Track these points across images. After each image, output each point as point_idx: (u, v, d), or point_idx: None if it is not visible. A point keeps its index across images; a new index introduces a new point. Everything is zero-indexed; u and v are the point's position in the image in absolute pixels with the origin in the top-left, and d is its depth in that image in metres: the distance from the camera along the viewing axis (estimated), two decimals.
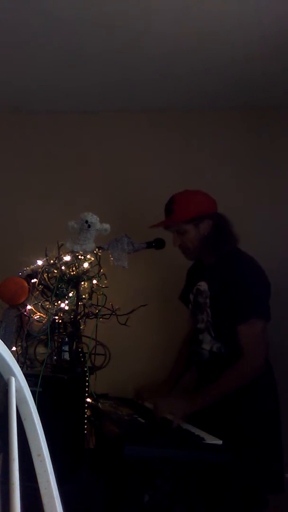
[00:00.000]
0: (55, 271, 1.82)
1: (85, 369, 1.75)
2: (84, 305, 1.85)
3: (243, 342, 1.80)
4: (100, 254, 1.90)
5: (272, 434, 1.84)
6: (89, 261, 1.86)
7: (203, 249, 1.98)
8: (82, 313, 1.83)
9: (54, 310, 1.78)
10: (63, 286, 1.82)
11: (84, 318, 1.84)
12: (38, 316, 1.78)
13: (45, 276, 1.81)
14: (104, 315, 1.81)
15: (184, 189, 2.04)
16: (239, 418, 1.79)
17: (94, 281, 1.87)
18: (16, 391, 0.79)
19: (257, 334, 1.81)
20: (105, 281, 1.88)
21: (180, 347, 2.22)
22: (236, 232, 1.98)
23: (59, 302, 1.80)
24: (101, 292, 1.85)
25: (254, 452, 1.75)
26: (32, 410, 0.83)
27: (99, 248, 1.90)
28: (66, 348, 1.80)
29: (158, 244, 2.04)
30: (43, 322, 1.77)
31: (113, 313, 1.80)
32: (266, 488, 1.78)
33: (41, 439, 0.82)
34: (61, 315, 1.82)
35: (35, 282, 1.81)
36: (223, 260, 1.93)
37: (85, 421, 1.73)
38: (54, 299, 1.79)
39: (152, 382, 2.19)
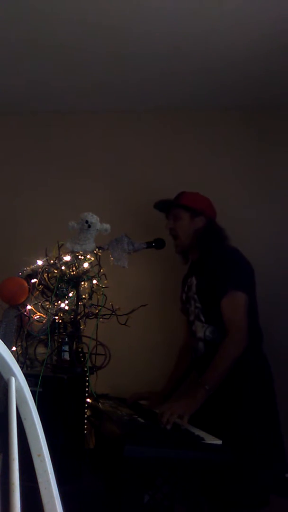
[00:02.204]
0: (55, 271, 1.82)
1: (85, 369, 1.74)
2: (84, 305, 1.84)
3: (225, 316, 1.86)
4: (100, 254, 1.90)
5: (273, 434, 1.84)
6: (89, 261, 1.86)
7: (192, 243, 2.07)
8: (82, 313, 1.83)
9: (54, 310, 1.78)
10: (63, 286, 1.82)
11: (84, 318, 1.84)
12: (38, 316, 1.78)
13: (45, 276, 1.81)
14: (104, 315, 1.80)
15: (186, 189, 2.13)
16: (239, 418, 1.79)
17: (94, 281, 1.87)
18: (16, 391, 0.79)
19: (237, 306, 1.86)
20: (105, 281, 1.88)
21: (178, 354, 2.22)
22: (227, 238, 2.06)
23: (59, 302, 1.80)
24: (101, 292, 1.85)
25: (255, 452, 1.75)
26: (32, 410, 0.83)
27: (99, 248, 1.90)
28: (66, 348, 1.80)
29: (158, 244, 2.05)
30: (43, 322, 1.76)
31: (113, 313, 1.80)
32: (268, 489, 1.78)
33: (41, 439, 0.82)
34: (61, 315, 1.81)
35: (35, 282, 1.81)
36: (208, 253, 2.03)
37: (85, 421, 1.73)
38: (54, 299, 1.79)
39: (150, 389, 2.17)
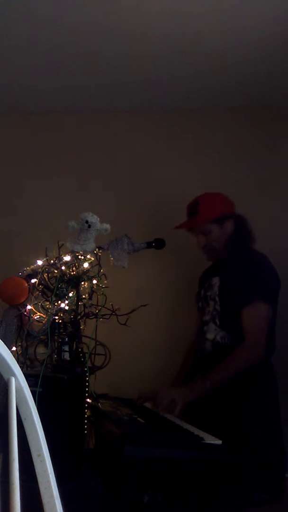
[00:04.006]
0: (55, 271, 1.82)
1: (85, 369, 1.74)
2: (84, 305, 1.84)
3: (246, 325, 1.83)
4: (100, 254, 1.90)
5: (273, 435, 1.84)
6: (89, 261, 1.86)
7: (227, 248, 2.01)
8: (82, 313, 1.83)
9: (54, 310, 1.78)
10: (63, 286, 1.82)
11: (84, 318, 1.84)
12: (38, 316, 1.78)
13: (45, 276, 1.81)
14: (104, 315, 1.81)
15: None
16: (240, 418, 1.78)
17: (94, 281, 1.87)
18: (16, 391, 0.79)
19: (260, 318, 1.83)
20: (105, 281, 1.88)
21: (185, 352, 2.20)
22: (255, 238, 2.04)
23: (59, 302, 1.80)
24: (101, 292, 1.85)
25: (255, 452, 1.74)
26: (32, 410, 0.83)
27: (99, 248, 1.90)
28: (66, 348, 1.80)
29: (158, 244, 2.04)
30: (43, 322, 1.77)
31: (113, 313, 1.80)
32: (264, 491, 1.77)
33: (41, 439, 0.82)
34: (61, 315, 1.81)
35: (35, 282, 1.81)
36: (234, 255, 1.98)
37: (85, 421, 1.73)
38: (54, 299, 1.79)
39: (157, 386, 2.16)
